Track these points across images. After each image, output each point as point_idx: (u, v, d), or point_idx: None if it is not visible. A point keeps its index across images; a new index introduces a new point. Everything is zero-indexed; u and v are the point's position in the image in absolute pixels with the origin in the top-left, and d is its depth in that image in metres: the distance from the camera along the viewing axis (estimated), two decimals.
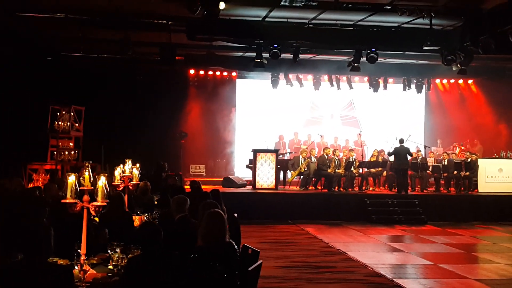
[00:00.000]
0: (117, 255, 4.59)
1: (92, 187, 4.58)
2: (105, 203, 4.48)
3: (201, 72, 18.78)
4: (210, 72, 18.80)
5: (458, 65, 13.87)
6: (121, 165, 7.76)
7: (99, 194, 4.47)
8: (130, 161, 8.05)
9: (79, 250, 4.46)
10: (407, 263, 9.43)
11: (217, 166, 19.17)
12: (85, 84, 16.84)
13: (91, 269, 4.34)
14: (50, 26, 14.08)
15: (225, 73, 18.93)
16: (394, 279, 7.86)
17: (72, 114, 16.06)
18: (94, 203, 4.43)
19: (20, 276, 3.21)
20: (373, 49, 13.64)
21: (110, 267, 4.55)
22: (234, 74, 19.12)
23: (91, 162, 4.71)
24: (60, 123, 15.82)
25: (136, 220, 7.10)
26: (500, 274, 8.48)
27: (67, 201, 4.37)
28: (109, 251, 4.75)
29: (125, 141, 16.68)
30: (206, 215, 4.51)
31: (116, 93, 17.07)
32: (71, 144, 16.34)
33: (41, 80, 16.39)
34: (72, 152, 16.16)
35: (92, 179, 4.62)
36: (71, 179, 4.41)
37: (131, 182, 7.82)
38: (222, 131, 18.85)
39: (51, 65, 17.13)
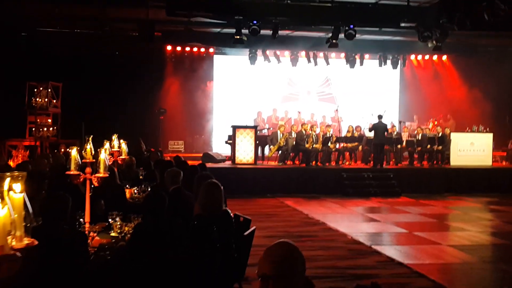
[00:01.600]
0: (118, 223, 4.83)
1: (94, 160, 4.78)
2: (107, 175, 4.71)
3: (178, 48, 18.80)
4: (188, 48, 18.84)
5: (434, 42, 14.28)
6: (105, 141, 7.95)
7: (101, 166, 4.68)
8: (117, 136, 8.26)
9: (81, 219, 4.70)
10: (384, 232, 9.88)
11: (196, 142, 19.34)
12: (62, 60, 16.71)
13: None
14: (24, 1, 13.92)
15: (203, 49, 18.99)
16: (372, 246, 8.29)
17: (49, 90, 15.99)
18: (97, 175, 4.65)
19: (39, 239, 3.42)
20: (351, 26, 13.91)
21: (113, 234, 4.80)
22: (211, 50, 19.20)
23: (90, 137, 4.87)
24: (38, 99, 15.77)
25: (127, 193, 7.32)
26: (472, 241, 9.01)
27: (71, 173, 4.58)
28: (109, 220, 4.98)
29: (104, 118, 16.65)
30: (205, 185, 4.76)
31: (93, 69, 16.98)
32: (49, 120, 16.32)
33: (17, 56, 16.22)
34: (51, 129, 16.16)
35: (93, 152, 4.82)
36: (74, 152, 4.62)
37: (120, 157, 8.04)
38: (200, 107, 18.99)
39: (26, 41, 16.95)
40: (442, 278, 6.68)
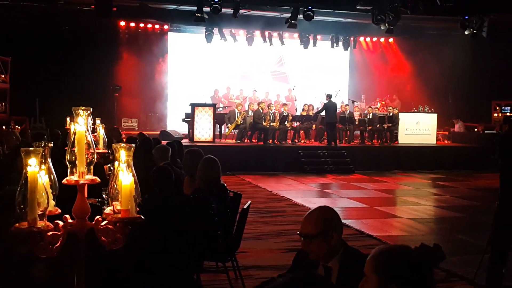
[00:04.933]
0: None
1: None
2: (106, 151, 4.75)
3: (132, 25, 18.51)
4: (142, 25, 18.59)
5: (386, 24, 14.81)
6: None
7: (100, 142, 4.72)
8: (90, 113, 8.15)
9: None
10: (347, 207, 10.32)
11: (149, 119, 19.17)
12: (10, 35, 16.06)
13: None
14: None
15: (157, 26, 18.78)
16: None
17: None
18: (97, 151, 4.68)
19: None
20: (310, 7, 14.19)
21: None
22: (166, 27, 19.00)
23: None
24: None
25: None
26: (428, 214, 9.64)
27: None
28: (103, 196, 5.03)
29: (56, 94, 16.23)
30: (204, 160, 4.92)
31: (44, 44, 16.43)
32: None
33: None
34: None
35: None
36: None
37: (94, 134, 7.97)
38: (154, 85, 18.82)
39: None
40: None
